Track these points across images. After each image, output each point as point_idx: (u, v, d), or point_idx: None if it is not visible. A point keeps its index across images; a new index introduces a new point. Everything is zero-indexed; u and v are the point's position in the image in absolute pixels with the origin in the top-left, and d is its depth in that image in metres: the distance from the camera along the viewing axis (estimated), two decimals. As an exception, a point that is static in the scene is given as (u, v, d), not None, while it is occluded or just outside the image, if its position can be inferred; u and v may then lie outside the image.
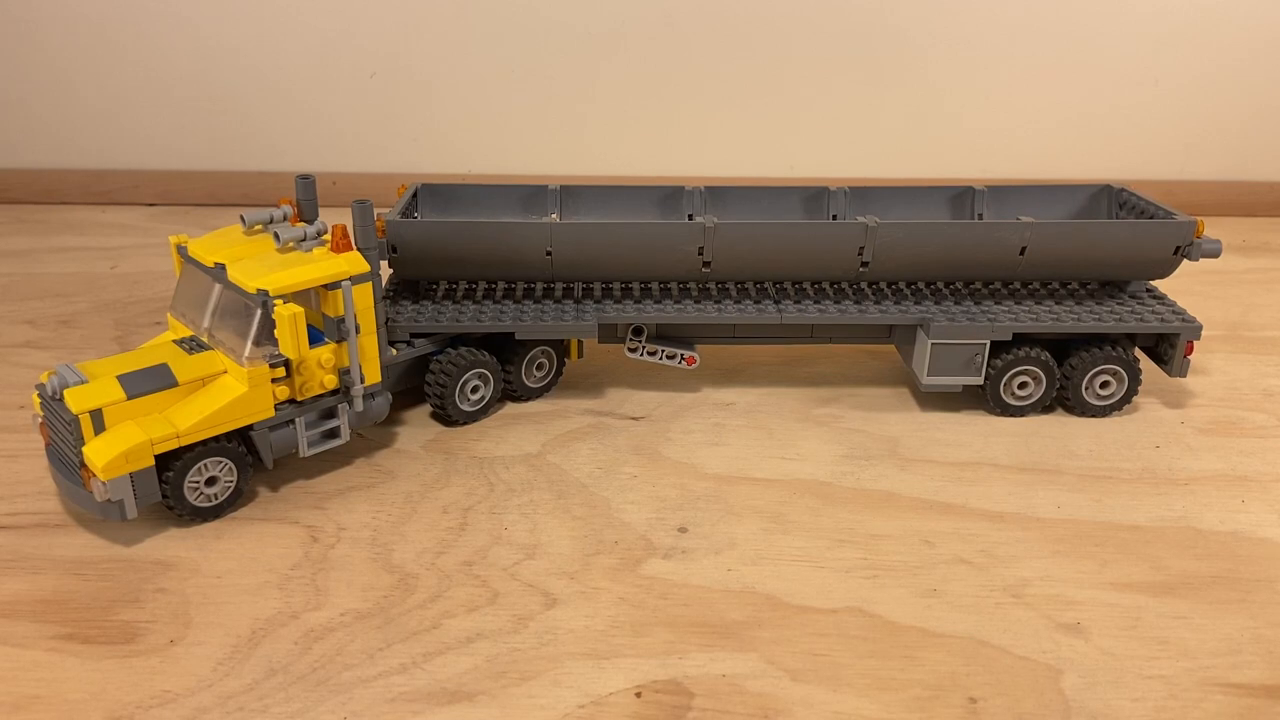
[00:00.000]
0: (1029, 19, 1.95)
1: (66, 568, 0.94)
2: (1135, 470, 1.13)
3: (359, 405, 1.08)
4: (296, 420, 1.05)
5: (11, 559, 0.95)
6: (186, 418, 0.97)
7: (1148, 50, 1.97)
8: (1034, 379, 1.22)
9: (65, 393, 0.95)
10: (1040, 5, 1.94)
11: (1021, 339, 1.22)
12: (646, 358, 1.26)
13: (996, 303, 1.26)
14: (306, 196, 1.10)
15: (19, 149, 2.05)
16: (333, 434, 1.08)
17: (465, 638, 0.86)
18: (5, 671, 0.82)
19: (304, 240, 1.05)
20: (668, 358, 1.26)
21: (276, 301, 0.99)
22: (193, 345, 1.04)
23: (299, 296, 1.02)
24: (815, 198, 1.37)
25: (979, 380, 1.22)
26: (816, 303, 1.26)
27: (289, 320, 0.98)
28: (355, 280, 1.04)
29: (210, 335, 1.04)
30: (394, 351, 1.17)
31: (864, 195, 1.37)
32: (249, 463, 1.03)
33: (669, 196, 1.37)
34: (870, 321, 1.24)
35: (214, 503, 1.01)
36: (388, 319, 1.16)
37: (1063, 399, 1.25)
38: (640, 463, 1.13)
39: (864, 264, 1.22)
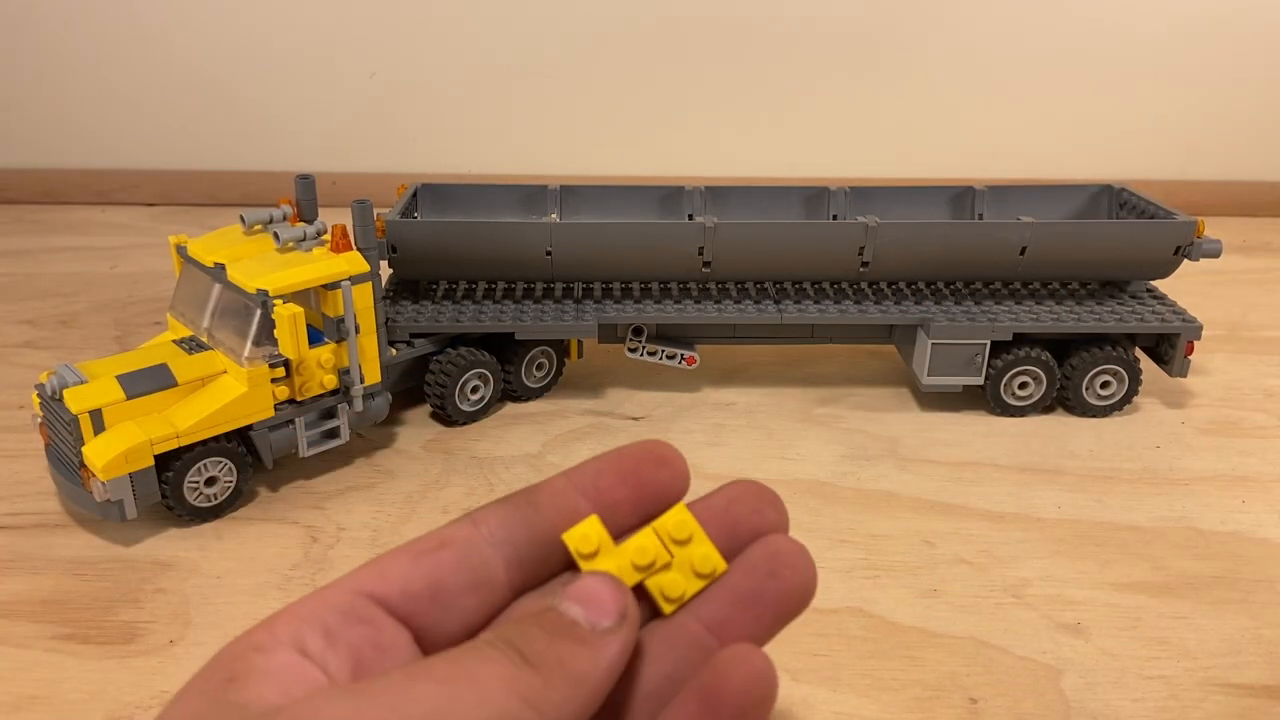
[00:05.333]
0: (1029, 19, 1.94)
1: (66, 568, 0.94)
2: (1135, 470, 1.13)
3: (359, 405, 1.08)
4: (296, 420, 1.05)
5: (11, 559, 0.95)
6: (186, 418, 0.97)
7: (1148, 50, 1.97)
8: (1034, 379, 1.22)
9: (65, 393, 0.95)
10: (1041, 5, 1.94)
11: (1022, 339, 1.22)
12: (646, 358, 1.26)
13: (997, 303, 1.26)
14: (306, 196, 1.10)
15: (18, 148, 2.05)
16: (332, 434, 1.08)
17: (465, 638, 0.86)
18: (5, 671, 0.82)
19: (303, 240, 1.05)
20: (668, 358, 1.26)
21: (276, 301, 0.98)
22: (192, 345, 1.04)
23: (299, 296, 1.02)
24: (815, 197, 1.37)
25: (979, 380, 1.22)
26: (816, 303, 1.26)
27: (289, 320, 0.98)
28: (355, 280, 1.04)
29: (210, 335, 1.04)
30: (394, 351, 1.17)
31: (864, 195, 1.37)
32: (248, 463, 1.03)
33: (669, 196, 1.37)
34: (870, 321, 1.24)
35: (213, 503, 1.01)
36: (387, 319, 1.16)
37: (1063, 399, 1.25)
38: (640, 463, 1.13)
39: (864, 264, 1.22)
